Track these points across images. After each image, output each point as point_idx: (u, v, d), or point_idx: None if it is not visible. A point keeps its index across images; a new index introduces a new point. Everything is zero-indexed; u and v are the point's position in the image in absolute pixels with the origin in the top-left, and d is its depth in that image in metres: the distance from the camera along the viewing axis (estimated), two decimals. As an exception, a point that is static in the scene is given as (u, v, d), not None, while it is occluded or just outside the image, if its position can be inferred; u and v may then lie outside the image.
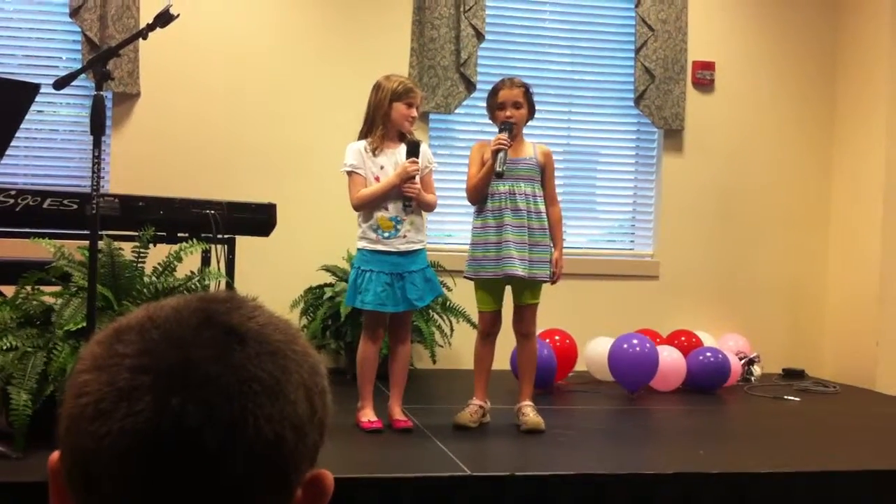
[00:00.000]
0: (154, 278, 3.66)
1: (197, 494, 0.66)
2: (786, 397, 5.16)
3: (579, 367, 5.40)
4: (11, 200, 3.80)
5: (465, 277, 4.16)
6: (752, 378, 5.59)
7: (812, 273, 6.19)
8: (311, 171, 5.36)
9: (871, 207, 5.79)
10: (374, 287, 3.82)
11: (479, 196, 4.03)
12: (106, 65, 3.16)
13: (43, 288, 3.57)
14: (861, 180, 5.92)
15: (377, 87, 3.92)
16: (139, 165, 5.18)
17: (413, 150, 3.86)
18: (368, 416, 3.86)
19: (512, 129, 3.95)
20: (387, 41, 5.58)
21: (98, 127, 3.07)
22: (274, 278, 5.02)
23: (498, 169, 3.86)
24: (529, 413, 3.99)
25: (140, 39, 3.29)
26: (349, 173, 3.91)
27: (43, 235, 3.67)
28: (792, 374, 5.89)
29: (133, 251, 3.65)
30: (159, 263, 3.72)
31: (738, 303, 6.06)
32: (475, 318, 4.30)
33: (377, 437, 3.77)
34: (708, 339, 5.61)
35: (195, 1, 5.18)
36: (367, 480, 3.13)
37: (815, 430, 4.51)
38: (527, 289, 4.04)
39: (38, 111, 5.17)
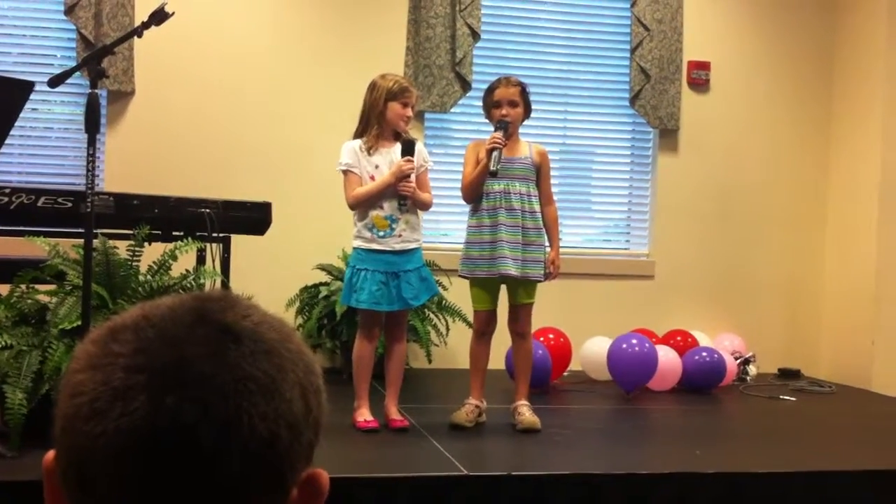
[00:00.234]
0: (149, 277, 3.65)
1: (192, 493, 0.65)
2: (781, 397, 5.17)
3: (575, 366, 5.40)
4: (6, 198, 3.79)
5: (459, 276, 4.16)
6: (748, 378, 5.59)
7: (808, 273, 6.19)
8: (307, 170, 5.35)
9: (866, 207, 5.80)
10: (368, 286, 3.81)
11: (473, 195, 4.03)
12: (101, 63, 3.15)
13: (38, 286, 3.56)
14: (857, 180, 5.92)
15: (372, 87, 3.92)
16: (134, 163, 5.17)
17: (408, 149, 3.85)
18: (364, 415, 3.86)
19: (507, 128, 3.94)
20: (382, 40, 5.57)
21: (93, 125, 3.07)
22: (269, 277, 5.01)
23: (492, 168, 3.86)
24: (525, 412, 3.99)
25: (135, 37, 3.29)
26: (344, 172, 3.90)
27: (37, 234, 3.66)
28: (788, 374, 5.89)
29: (128, 250, 3.64)
30: (154, 262, 3.72)
31: (734, 302, 6.06)
32: (471, 317, 4.30)
33: (373, 436, 3.77)
34: (703, 339, 5.61)
35: (190, -1, 5.17)
36: (363, 480, 3.13)
37: (810, 429, 4.51)
38: (521, 288, 4.03)
39: (33, 109, 5.15)
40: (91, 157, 3.07)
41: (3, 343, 3.25)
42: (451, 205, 5.32)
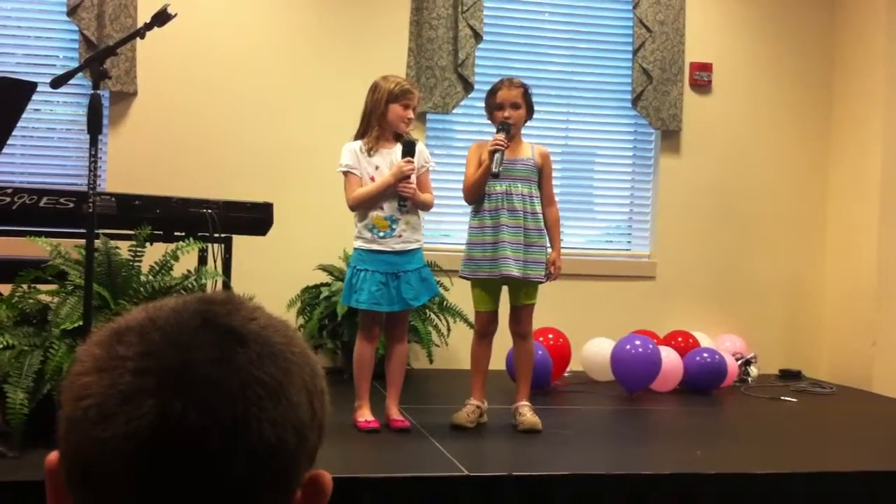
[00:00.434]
0: (150, 277, 3.65)
1: (199, 497, 0.66)
2: (782, 398, 5.17)
3: (576, 367, 5.41)
4: (8, 199, 3.79)
5: (461, 277, 4.16)
6: (749, 379, 5.59)
7: (809, 274, 6.19)
8: (309, 171, 5.35)
9: (867, 208, 5.80)
10: (368, 286, 3.81)
11: (475, 196, 4.03)
12: (103, 64, 3.15)
13: (39, 286, 3.57)
14: (858, 180, 5.92)
15: (374, 88, 3.92)
16: (136, 164, 5.18)
17: (409, 150, 3.85)
18: (365, 415, 3.86)
19: (509, 130, 3.94)
20: (385, 41, 5.58)
21: (95, 126, 3.07)
22: (271, 278, 5.01)
23: (494, 169, 3.86)
24: (526, 413, 3.99)
25: (137, 38, 3.29)
26: (345, 173, 3.91)
27: (39, 234, 3.67)
28: (789, 375, 5.89)
29: (129, 250, 3.64)
30: (156, 262, 3.72)
31: (735, 303, 6.06)
32: (472, 318, 4.30)
33: (374, 437, 3.77)
34: (705, 340, 5.61)
35: (193, 0, 5.17)
36: (364, 480, 3.13)
37: (811, 430, 4.51)
38: (523, 289, 4.04)
39: (35, 110, 5.16)
40: (93, 158, 3.08)
41: (5, 343, 3.25)
42: (452, 205, 5.33)
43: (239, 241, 4.34)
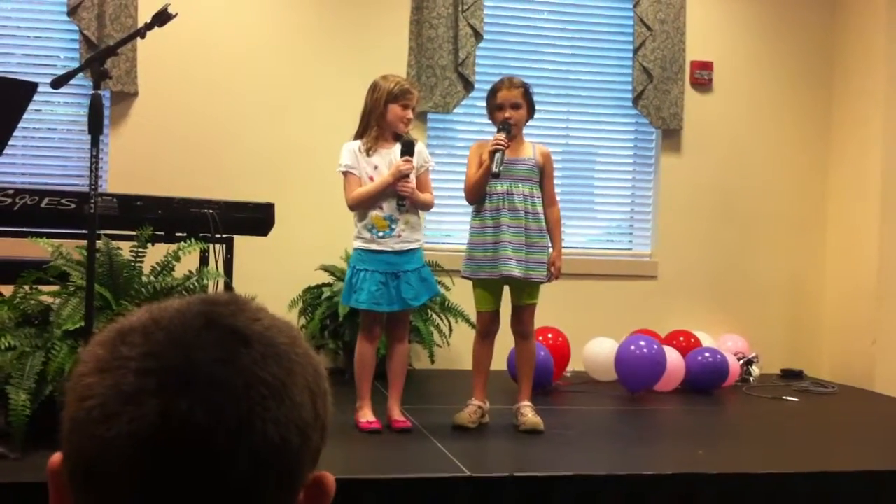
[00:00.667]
0: (152, 278, 3.65)
1: (202, 497, 0.66)
2: (784, 397, 5.16)
3: (578, 367, 5.40)
4: (9, 200, 3.79)
5: (462, 277, 4.16)
6: (751, 378, 5.59)
7: (810, 273, 6.19)
8: (310, 171, 5.35)
9: (868, 206, 5.79)
10: (368, 286, 3.81)
11: (476, 196, 4.03)
12: (104, 64, 3.15)
13: (41, 287, 3.57)
14: (858, 179, 5.92)
15: (374, 88, 3.91)
16: (137, 165, 5.18)
17: (407, 149, 3.85)
18: (367, 416, 3.86)
19: (510, 130, 3.94)
20: (385, 41, 5.58)
21: (96, 126, 3.07)
22: (272, 278, 5.00)
23: (495, 169, 3.85)
24: (528, 413, 3.98)
25: (138, 38, 3.29)
26: (344, 173, 3.91)
27: (41, 235, 3.67)
28: (790, 375, 5.89)
29: (131, 251, 3.64)
30: (157, 263, 3.72)
31: (737, 303, 6.06)
32: (474, 318, 4.30)
33: (376, 437, 3.77)
34: (706, 340, 5.60)
35: (193, 0, 5.17)
36: (366, 481, 3.13)
37: (813, 430, 4.51)
38: (524, 289, 4.03)
39: (36, 110, 5.16)
40: (94, 159, 3.08)
41: (7, 344, 3.25)
42: (454, 205, 5.32)
43: (240, 241, 4.34)
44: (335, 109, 5.26)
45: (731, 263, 6.08)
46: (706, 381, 5.13)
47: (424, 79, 5.54)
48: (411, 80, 5.00)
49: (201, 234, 4.02)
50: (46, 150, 5.30)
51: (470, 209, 4.13)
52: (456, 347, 5.29)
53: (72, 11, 5.07)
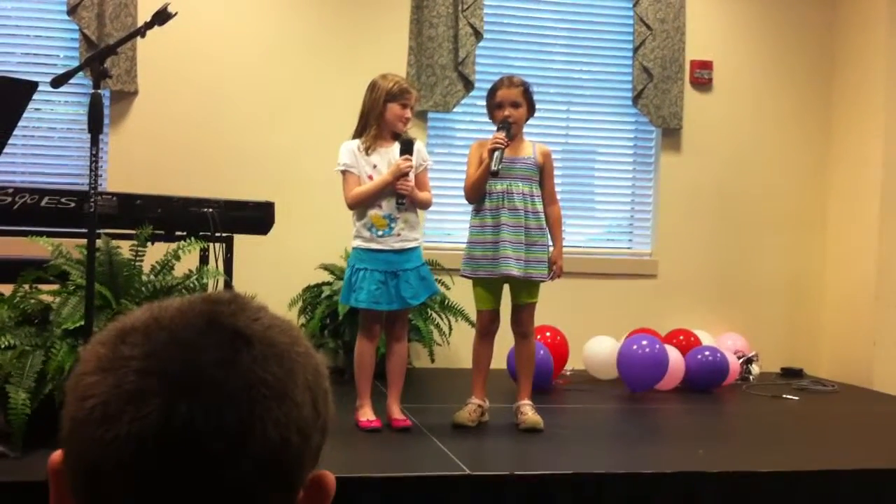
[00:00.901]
0: (152, 277, 3.65)
1: (202, 497, 0.66)
2: (784, 396, 5.17)
3: (578, 366, 5.40)
4: (9, 199, 3.79)
5: (462, 276, 4.16)
6: (751, 377, 5.58)
7: (810, 272, 6.19)
8: (310, 170, 5.34)
9: (868, 206, 5.79)
10: (367, 285, 3.81)
11: (476, 195, 4.03)
12: (104, 63, 3.15)
13: (41, 286, 3.57)
14: (858, 179, 5.92)
15: (372, 87, 3.91)
16: (137, 163, 5.17)
17: (406, 148, 3.85)
18: (367, 415, 3.86)
19: (510, 129, 3.94)
20: (385, 40, 5.57)
21: (96, 125, 3.07)
22: (272, 277, 5.01)
23: (494, 168, 3.85)
24: (528, 412, 3.99)
25: (138, 37, 3.29)
26: (343, 172, 3.90)
27: (41, 234, 3.66)
28: (790, 373, 5.89)
29: (131, 249, 3.64)
30: (157, 262, 3.72)
31: (737, 302, 6.06)
32: (474, 316, 4.30)
33: (376, 436, 3.77)
34: (706, 338, 5.61)
35: (193, -1, 5.17)
36: (366, 480, 3.13)
37: (813, 429, 4.51)
38: (524, 288, 4.03)
39: (36, 109, 5.16)
40: (94, 157, 3.08)
41: (7, 343, 3.25)
42: (454, 204, 5.31)
43: (240, 240, 4.34)
44: (335, 108, 5.25)
45: (730, 262, 6.08)
46: (706, 379, 5.14)
47: (424, 78, 5.54)
48: (410, 80, 5.00)
49: (201, 233, 4.02)
50: (46, 149, 5.29)
51: (470, 208, 4.12)
52: (456, 346, 5.29)
53: (72, 10, 5.07)
